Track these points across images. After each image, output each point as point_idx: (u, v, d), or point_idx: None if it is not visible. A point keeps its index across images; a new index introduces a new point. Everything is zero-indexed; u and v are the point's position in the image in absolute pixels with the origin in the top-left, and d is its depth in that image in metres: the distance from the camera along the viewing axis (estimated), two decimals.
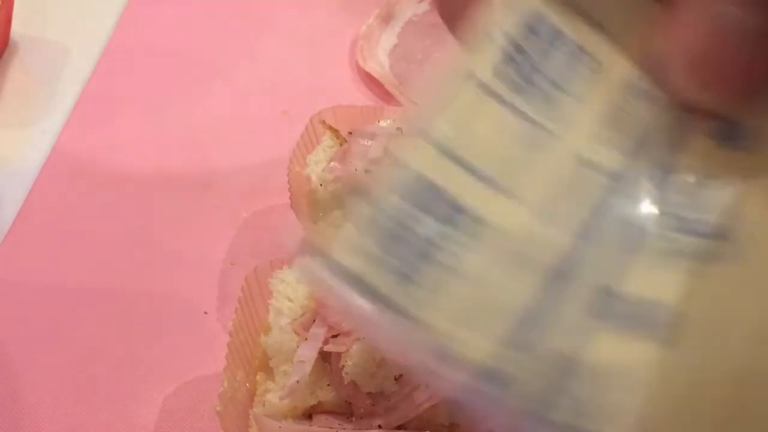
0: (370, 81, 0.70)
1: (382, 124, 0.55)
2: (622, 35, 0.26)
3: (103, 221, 0.59)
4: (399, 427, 0.41)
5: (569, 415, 0.23)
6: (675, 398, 0.23)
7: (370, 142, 0.52)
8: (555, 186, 0.25)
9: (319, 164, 0.53)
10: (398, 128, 0.52)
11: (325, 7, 0.80)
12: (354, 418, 0.42)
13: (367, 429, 0.41)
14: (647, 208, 0.24)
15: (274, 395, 0.43)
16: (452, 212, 0.24)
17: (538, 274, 0.24)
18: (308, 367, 0.41)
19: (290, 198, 0.52)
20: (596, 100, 0.25)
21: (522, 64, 0.25)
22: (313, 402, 0.42)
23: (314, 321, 0.43)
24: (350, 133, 0.53)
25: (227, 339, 0.44)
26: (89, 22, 0.79)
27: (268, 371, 0.44)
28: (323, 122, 0.56)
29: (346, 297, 0.23)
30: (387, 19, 0.76)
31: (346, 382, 0.41)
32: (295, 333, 0.43)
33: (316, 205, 0.53)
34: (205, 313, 0.53)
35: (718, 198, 0.24)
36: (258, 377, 0.45)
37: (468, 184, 0.24)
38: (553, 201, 0.25)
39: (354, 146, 0.52)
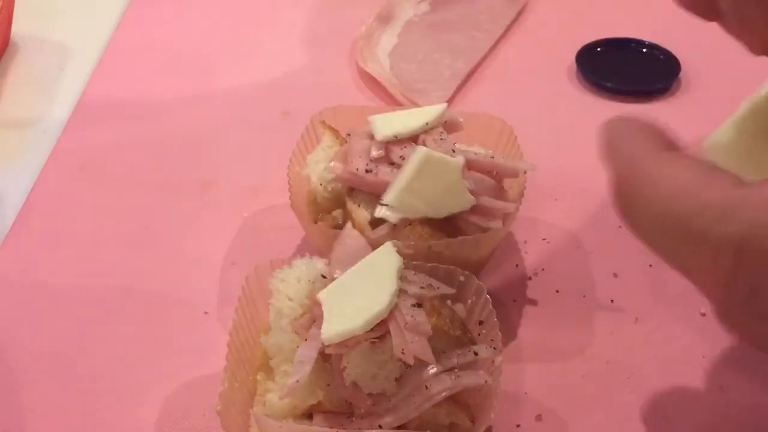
0: (370, 81, 0.70)
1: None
2: None
3: (103, 221, 0.59)
4: (399, 428, 0.42)
5: None
6: None
7: (370, 142, 0.52)
8: None
9: (319, 164, 0.53)
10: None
11: (325, 8, 0.80)
12: (354, 418, 0.42)
13: (368, 429, 0.41)
14: None
15: (274, 395, 0.43)
16: None
17: None
18: (308, 367, 0.41)
19: (290, 198, 0.52)
20: None
21: None
22: (313, 402, 0.42)
23: (314, 321, 0.43)
24: (349, 134, 0.53)
25: (227, 339, 0.44)
26: (90, 22, 0.79)
27: (268, 371, 0.44)
28: (323, 122, 0.56)
29: None
30: (387, 19, 0.77)
31: (347, 383, 0.42)
32: (296, 333, 0.43)
33: (316, 205, 0.53)
34: (205, 313, 0.53)
35: None
36: (258, 377, 0.45)
37: None
38: None
39: (354, 146, 0.52)
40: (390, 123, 0.52)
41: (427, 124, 0.51)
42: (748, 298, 0.31)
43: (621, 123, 0.36)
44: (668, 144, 0.34)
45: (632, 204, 0.33)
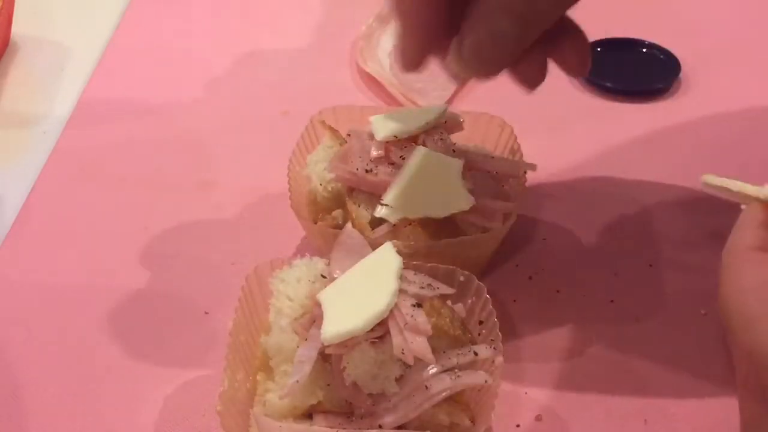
0: (370, 81, 0.70)
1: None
2: None
3: (103, 221, 0.59)
4: (399, 427, 0.42)
5: None
6: None
7: (370, 142, 0.52)
8: None
9: (319, 164, 0.53)
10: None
11: (325, 8, 0.81)
12: (354, 418, 0.42)
13: (368, 429, 0.41)
14: None
15: (274, 395, 0.43)
16: None
17: None
18: (308, 367, 0.41)
19: (290, 198, 0.52)
20: None
21: None
22: (313, 402, 0.42)
23: (314, 321, 0.43)
24: (349, 134, 0.53)
25: (227, 339, 0.44)
26: (90, 22, 0.79)
27: (268, 371, 0.44)
28: (323, 122, 0.56)
29: None
30: (387, 19, 0.76)
31: (347, 383, 0.42)
32: (296, 333, 0.43)
33: (316, 205, 0.53)
34: (206, 313, 0.53)
35: None
36: (258, 377, 0.45)
37: None
38: None
39: (354, 146, 0.52)
40: (390, 123, 0.52)
41: (427, 123, 0.51)
42: (760, 401, 0.34)
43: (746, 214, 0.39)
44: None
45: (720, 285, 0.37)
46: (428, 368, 0.42)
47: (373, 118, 0.52)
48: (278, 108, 0.68)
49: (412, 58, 0.42)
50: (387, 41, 0.75)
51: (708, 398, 0.47)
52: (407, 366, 0.41)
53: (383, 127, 0.51)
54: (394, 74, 0.71)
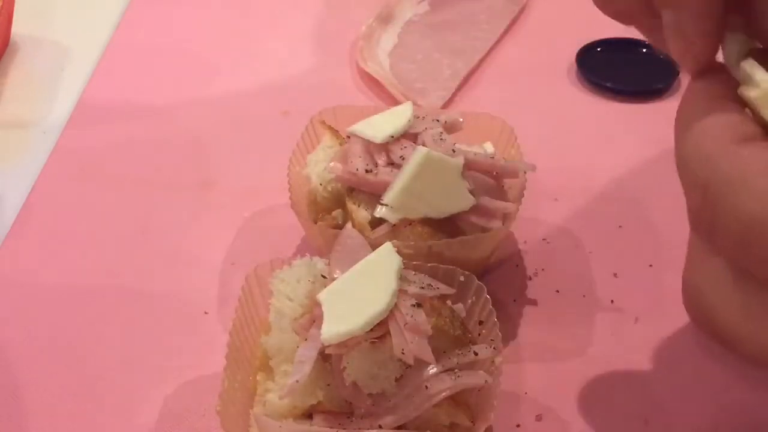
0: (370, 81, 0.70)
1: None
2: None
3: (103, 221, 0.59)
4: (399, 427, 0.42)
5: None
6: None
7: (369, 142, 0.52)
8: None
9: (319, 164, 0.53)
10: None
11: (325, 8, 0.81)
12: (354, 418, 0.42)
13: (368, 429, 0.41)
14: None
15: (274, 395, 0.43)
16: None
17: None
18: (308, 367, 0.41)
19: (290, 198, 0.52)
20: None
21: None
22: (313, 402, 0.42)
23: (314, 321, 0.43)
24: (348, 136, 0.53)
25: (227, 339, 0.44)
26: (89, 22, 0.79)
27: (268, 371, 0.44)
28: (323, 122, 0.56)
29: None
30: (387, 19, 0.77)
31: (347, 383, 0.42)
32: (296, 333, 0.43)
33: (316, 205, 0.53)
34: (206, 313, 0.53)
35: None
36: (258, 377, 0.45)
37: None
38: None
39: (354, 146, 0.52)
40: (374, 126, 0.52)
41: (408, 122, 0.51)
42: (708, 234, 0.34)
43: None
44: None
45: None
46: (428, 368, 0.42)
47: (350, 130, 0.52)
48: (278, 108, 0.68)
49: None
50: (387, 41, 0.75)
51: (708, 398, 0.47)
52: (407, 366, 0.42)
53: (370, 131, 0.51)
54: (394, 74, 0.71)
